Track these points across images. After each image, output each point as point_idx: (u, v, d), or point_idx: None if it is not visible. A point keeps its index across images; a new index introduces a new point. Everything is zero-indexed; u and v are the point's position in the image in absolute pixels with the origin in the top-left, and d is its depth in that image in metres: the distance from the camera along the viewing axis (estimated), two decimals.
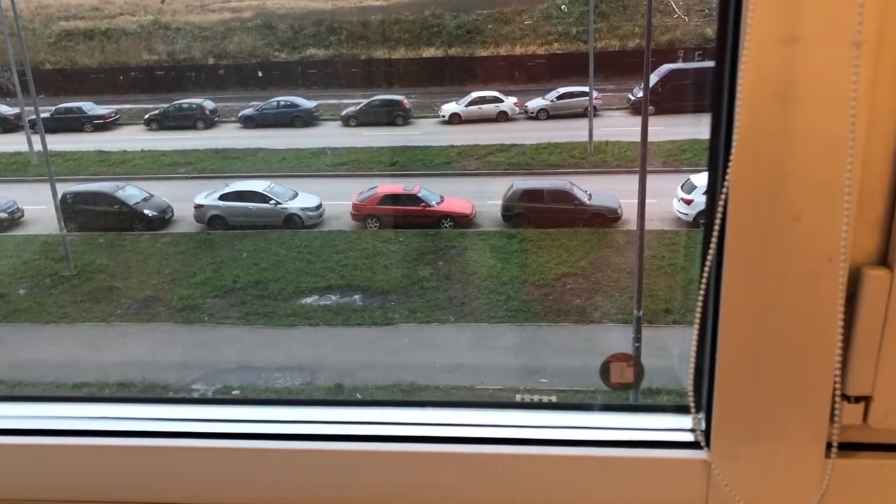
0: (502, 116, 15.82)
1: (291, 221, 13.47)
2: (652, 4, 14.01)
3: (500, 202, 13.15)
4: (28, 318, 11.62)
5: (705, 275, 1.19)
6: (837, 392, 1.17)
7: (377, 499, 1.39)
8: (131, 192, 13.90)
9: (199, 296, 11.78)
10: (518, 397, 9.44)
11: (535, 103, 15.74)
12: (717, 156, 1.17)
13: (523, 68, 16.42)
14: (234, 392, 9.89)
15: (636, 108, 14.79)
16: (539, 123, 15.52)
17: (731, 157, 1.09)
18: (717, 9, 1.15)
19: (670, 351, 9.87)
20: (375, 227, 13.34)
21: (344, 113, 16.10)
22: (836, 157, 1.06)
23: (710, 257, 1.17)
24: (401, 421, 1.41)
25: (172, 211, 13.77)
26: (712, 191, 1.18)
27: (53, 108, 15.86)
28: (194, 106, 16.44)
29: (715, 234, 1.14)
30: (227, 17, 17.03)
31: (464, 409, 1.47)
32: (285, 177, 14.39)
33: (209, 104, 16.40)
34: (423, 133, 15.81)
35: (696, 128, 12.16)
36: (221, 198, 13.58)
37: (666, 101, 13.45)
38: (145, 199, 13.81)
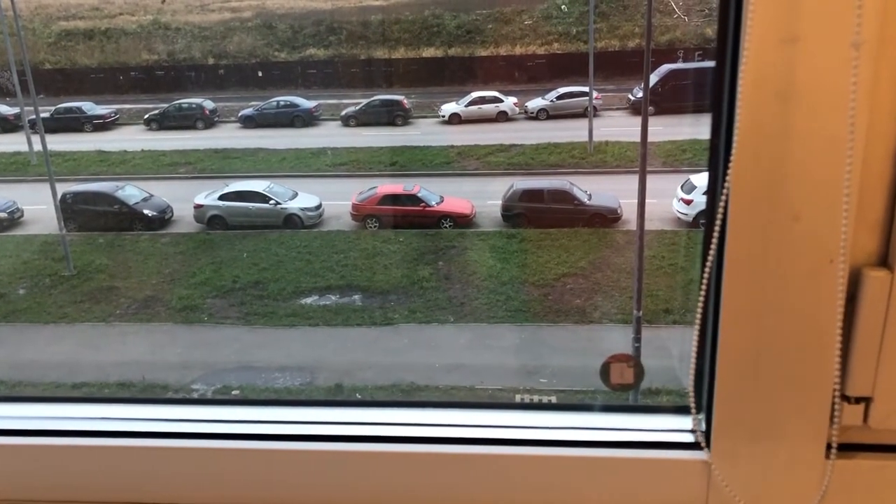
0: (502, 116, 15.83)
1: (291, 221, 13.47)
2: (652, 4, 14.01)
3: (499, 202, 13.15)
4: (28, 318, 11.62)
5: (706, 275, 1.19)
6: (837, 393, 1.17)
7: (377, 499, 1.39)
8: (131, 192, 13.90)
9: (199, 296, 11.78)
10: (518, 398, 9.44)
11: (535, 103, 15.74)
12: (717, 156, 1.17)
13: (523, 68, 16.42)
14: (233, 392, 9.88)
15: (636, 108, 14.80)
16: (539, 123, 15.52)
17: (732, 158, 1.09)
18: (717, 9, 1.15)
19: (670, 351, 9.87)
20: (375, 227, 13.34)
21: (344, 113, 16.10)
22: (836, 158, 1.06)
23: (710, 258, 1.17)
24: (400, 421, 1.41)
25: (172, 211, 13.77)
26: (712, 191, 1.18)
27: (53, 108, 15.86)
28: (194, 106, 16.44)
29: (715, 234, 1.14)
30: (227, 17, 17.03)
31: (463, 409, 1.47)
32: (285, 177, 14.39)
33: (209, 104, 16.40)
34: (422, 133, 15.82)
35: (696, 128, 12.16)
36: (221, 198, 13.58)
37: (666, 101, 13.45)
38: (145, 199, 13.81)
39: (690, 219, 11.88)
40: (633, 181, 10.74)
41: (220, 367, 10.56)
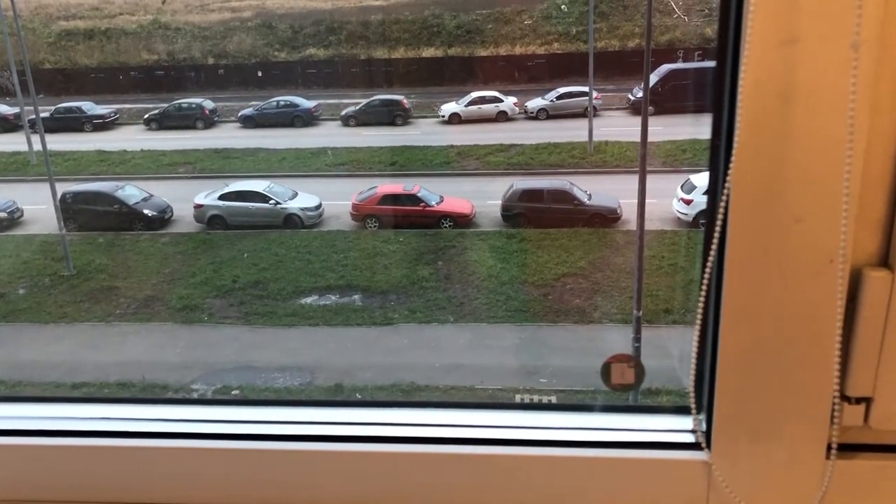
0: (502, 116, 15.83)
1: (291, 221, 13.47)
2: (652, 4, 14.02)
3: (499, 202, 13.15)
4: (27, 317, 11.62)
5: (706, 275, 1.19)
6: (837, 393, 1.17)
7: (377, 499, 1.39)
8: (131, 191, 13.90)
9: (199, 296, 11.78)
10: (517, 398, 9.44)
11: (535, 103, 15.74)
12: (717, 156, 1.17)
13: (523, 68, 16.43)
14: (233, 392, 9.88)
15: (636, 108, 14.80)
16: (539, 123, 15.52)
17: (733, 158, 1.09)
18: (717, 10, 1.15)
19: (670, 351, 9.88)
20: (375, 227, 13.34)
21: (344, 113, 16.11)
22: (836, 159, 1.06)
23: (710, 258, 1.17)
24: (400, 421, 1.41)
25: (172, 211, 13.77)
26: (713, 191, 1.18)
27: (53, 108, 15.87)
28: (194, 106, 16.45)
29: (716, 234, 1.14)
30: (227, 17, 17.04)
31: (463, 409, 1.47)
32: (285, 177, 14.39)
33: (209, 104, 16.41)
34: (422, 133, 15.82)
35: (696, 128, 12.17)
36: (221, 198, 13.58)
37: (666, 101, 13.46)
38: (145, 199, 13.81)
39: (690, 219, 11.88)
40: (633, 181, 10.74)
41: (219, 367, 10.56)
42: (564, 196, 13.09)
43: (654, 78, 13.58)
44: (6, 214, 13.62)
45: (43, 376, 10.16)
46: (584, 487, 1.33)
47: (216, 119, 16.50)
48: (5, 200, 13.75)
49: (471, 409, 1.48)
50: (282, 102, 16.42)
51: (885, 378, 1.15)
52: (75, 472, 1.44)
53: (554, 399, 9.35)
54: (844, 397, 1.18)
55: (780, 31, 1.03)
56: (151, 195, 13.90)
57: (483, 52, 16.56)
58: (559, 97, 15.56)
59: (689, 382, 1.27)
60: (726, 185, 1.11)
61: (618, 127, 14.88)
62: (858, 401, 1.18)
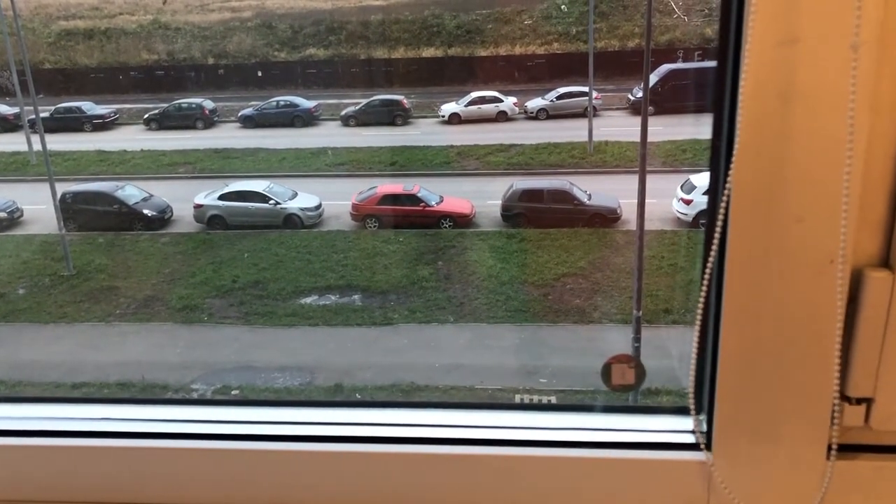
0: (502, 116, 15.83)
1: (291, 221, 13.47)
2: (652, 4, 14.02)
3: (499, 202, 13.16)
4: (27, 317, 11.62)
5: (706, 276, 1.18)
6: (838, 394, 1.17)
7: (377, 500, 1.39)
8: (131, 191, 13.90)
9: (199, 296, 11.78)
10: (517, 398, 9.44)
11: (535, 103, 15.74)
12: (718, 156, 1.17)
13: (523, 68, 16.43)
14: (233, 392, 9.88)
15: (636, 108, 14.80)
16: (539, 123, 15.53)
17: (733, 158, 1.09)
18: (717, 10, 1.15)
19: (670, 351, 9.88)
20: (375, 227, 13.34)
21: (343, 113, 16.11)
22: (836, 159, 1.06)
23: (711, 258, 1.17)
24: (400, 422, 1.41)
25: (172, 211, 13.77)
26: (713, 191, 1.18)
27: (53, 108, 15.87)
28: (194, 106, 16.45)
29: (716, 234, 1.14)
30: (227, 17, 17.04)
31: (463, 409, 1.47)
32: (285, 177, 14.40)
33: (209, 104, 16.41)
34: (422, 133, 15.82)
35: (696, 128, 12.17)
36: (221, 198, 13.58)
37: (666, 101, 13.46)
38: (145, 199, 13.81)
39: (690, 219, 11.88)
40: (632, 181, 10.74)
41: (219, 367, 10.56)
42: (564, 196, 13.09)
43: (654, 78, 13.58)
44: (6, 214, 13.62)
45: (43, 376, 10.16)
46: (584, 488, 1.33)
47: (216, 119, 16.50)
48: (5, 200, 13.75)
49: (471, 409, 1.48)
50: (282, 102, 16.43)
51: (886, 378, 1.15)
52: (75, 472, 1.44)
53: (554, 399, 9.35)
54: (845, 398, 1.18)
55: (781, 32, 1.03)
56: (151, 195, 13.91)
57: (483, 52, 16.57)
58: (559, 97, 15.56)
59: (689, 383, 1.27)
60: (727, 185, 1.11)
61: (618, 127, 14.88)
62: (859, 401, 1.18)
